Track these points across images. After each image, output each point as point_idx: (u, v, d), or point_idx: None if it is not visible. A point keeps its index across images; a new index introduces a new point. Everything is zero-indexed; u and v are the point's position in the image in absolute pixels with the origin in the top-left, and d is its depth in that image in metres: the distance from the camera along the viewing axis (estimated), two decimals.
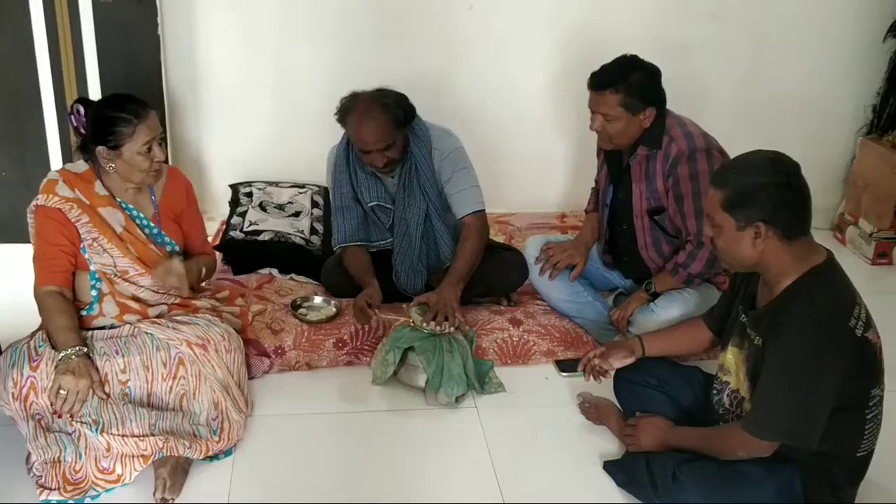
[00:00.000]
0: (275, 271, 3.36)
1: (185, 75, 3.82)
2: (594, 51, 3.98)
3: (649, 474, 2.28)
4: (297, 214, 3.62)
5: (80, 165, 2.63)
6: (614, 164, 3.01)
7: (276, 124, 3.97)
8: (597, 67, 4.11)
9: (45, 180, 2.59)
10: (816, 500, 2.19)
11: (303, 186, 3.85)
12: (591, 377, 2.58)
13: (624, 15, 3.98)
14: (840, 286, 2.12)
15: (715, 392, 2.39)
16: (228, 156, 3.98)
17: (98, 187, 2.59)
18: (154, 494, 2.31)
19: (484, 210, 3.10)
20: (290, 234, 3.47)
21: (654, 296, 2.88)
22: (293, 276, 3.35)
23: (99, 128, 2.50)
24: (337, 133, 3.90)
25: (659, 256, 2.98)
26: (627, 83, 2.75)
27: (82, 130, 2.54)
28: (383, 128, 2.90)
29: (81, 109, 2.53)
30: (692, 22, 4.03)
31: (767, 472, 2.16)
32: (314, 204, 3.74)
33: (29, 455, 2.42)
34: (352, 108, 2.93)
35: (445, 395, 2.76)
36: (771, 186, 2.05)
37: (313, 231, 3.57)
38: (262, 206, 3.63)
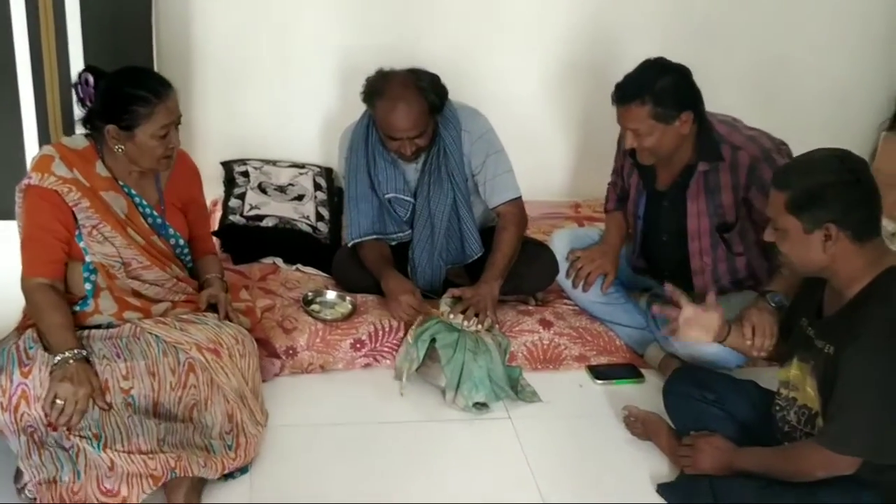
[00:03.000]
0: (279, 261, 3.07)
1: (177, 42, 3.50)
2: (605, 35, 3.83)
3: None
4: (300, 198, 3.34)
5: (79, 141, 2.34)
6: (648, 175, 2.77)
7: (275, 99, 3.68)
8: (607, 53, 3.98)
9: (37, 156, 2.31)
10: None
11: (303, 166, 3.57)
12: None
13: None
14: None
15: (777, 409, 2.23)
16: (219, 132, 3.67)
17: (99, 167, 2.31)
18: None
19: (520, 197, 2.88)
20: (295, 219, 3.20)
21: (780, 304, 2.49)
22: (299, 266, 3.08)
23: (112, 104, 2.22)
24: (343, 109, 3.64)
25: (714, 283, 2.73)
26: (654, 92, 2.48)
27: (88, 103, 2.26)
28: (418, 114, 2.65)
29: (90, 79, 2.24)
30: (713, 4, 3.83)
31: (850, 500, 2.00)
32: (317, 186, 3.46)
33: (18, 473, 2.14)
34: (383, 90, 2.66)
35: (463, 397, 2.55)
36: (839, 185, 1.93)
37: (319, 217, 3.29)
38: (262, 188, 3.34)
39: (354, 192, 2.86)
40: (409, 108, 2.64)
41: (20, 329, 2.33)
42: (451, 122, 2.79)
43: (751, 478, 2.12)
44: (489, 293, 2.69)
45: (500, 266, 2.75)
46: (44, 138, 3.34)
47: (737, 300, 2.67)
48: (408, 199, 2.86)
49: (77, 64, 3.23)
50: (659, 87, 2.48)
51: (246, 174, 3.42)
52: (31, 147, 3.35)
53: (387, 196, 2.86)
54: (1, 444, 2.19)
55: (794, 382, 2.17)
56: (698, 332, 2.35)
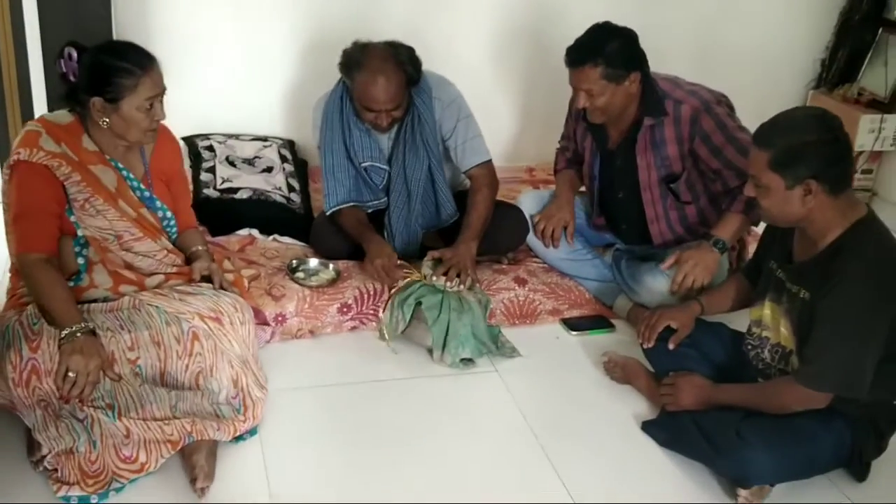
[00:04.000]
0: (255, 232, 3.12)
1: (136, 18, 3.47)
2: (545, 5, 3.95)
3: (702, 434, 2.26)
4: (269, 170, 3.37)
5: (63, 116, 2.34)
6: (600, 135, 2.93)
7: (233, 72, 3.68)
8: (550, 20, 4.10)
9: (23, 132, 2.30)
10: (862, 449, 2.26)
11: (265, 139, 3.60)
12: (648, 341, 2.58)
13: None
14: (886, 237, 2.17)
15: (750, 347, 2.41)
16: (179, 107, 3.62)
17: (86, 142, 2.32)
18: (194, 484, 2.11)
19: (491, 160, 3.00)
20: (268, 191, 3.24)
21: (723, 247, 2.80)
22: (276, 236, 3.13)
23: (96, 77, 2.23)
24: (302, 80, 3.68)
25: (668, 230, 2.94)
26: (605, 54, 2.65)
27: (71, 77, 2.26)
28: (396, 88, 2.73)
29: (74, 54, 2.24)
30: None
31: (823, 427, 2.20)
32: (283, 158, 3.50)
33: (31, 446, 2.18)
34: (363, 63, 2.72)
35: (450, 355, 2.68)
36: (819, 143, 2.07)
37: (291, 188, 3.34)
38: (231, 162, 3.36)
39: (331, 163, 2.92)
40: (389, 82, 2.71)
41: (14, 307, 2.33)
42: (423, 89, 2.87)
43: (730, 410, 2.29)
44: (467, 253, 2.80)
45: (476, 227, 2.87)
46: (0, 119, 3.30)
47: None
48: (383, 167, 2.94)
49: (34, 40, 3.19)
50: (609, 50, 2.65)
51: (211, 148, 3.43)
52: None
53: (363, 165, 2.93)
54: (8, 421, 2.23)
55: (767, 322, 2.34)
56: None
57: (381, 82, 2.71)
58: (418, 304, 2.73)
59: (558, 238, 3.04)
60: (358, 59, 2.74)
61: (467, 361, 2.70)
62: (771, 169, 2.11)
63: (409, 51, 2.79)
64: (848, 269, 2.09)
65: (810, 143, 2.07)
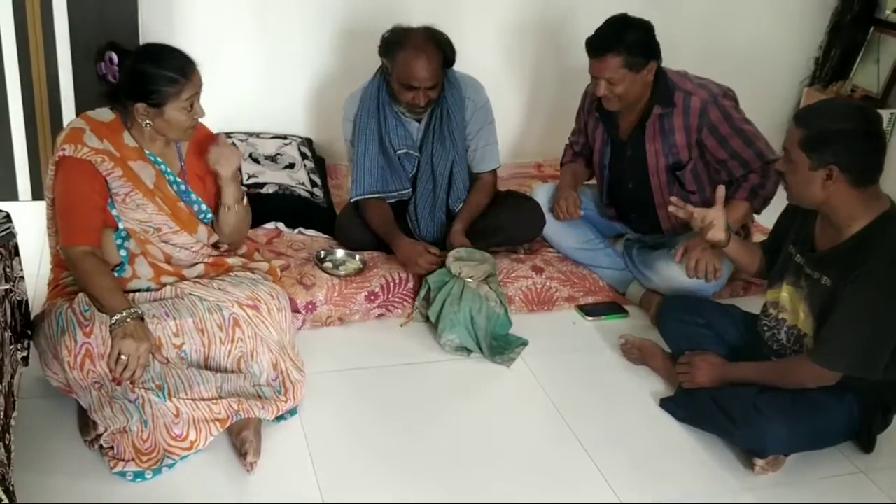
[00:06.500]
0: (281, 225, 3.24)
1: (160, 18, 3.57)
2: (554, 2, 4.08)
3: (720, 409, 2.39)
4: (291, 166, 3.49)
5: (105, 113, 2.43)
6: (611, 125, 3.07)
7: (255, 72, 3.80)
8: (556, 19, 4.23)
9: (67, 128, 2.39)
10: (870, 422, 2.40)
11: (285, 137, 3.72)
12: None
13: None
14: None
15: (766, 329, 2.52)
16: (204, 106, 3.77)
17: (127, 138, 2.41)
18: (245, 459, 2.23)
19: (497, 168, 3.21)
20: (293, 186, 3.36)
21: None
22: (301, 229, 3.25)
23: (140, 85, 2.30)
24: (321, 80, 3.79)
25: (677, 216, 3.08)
26: (626, 43, 2.79)
27: (111, 79, 2.34)
28: (436, 67, 2.89)
29: (115, 57, 2.31)
30: None
31: (836, 401, 2.33)
32: (303, 156, 3.62)
33: (85, 427, 2.29)
34: (405, 43, 2.88)
35: (441, 337, 2.80)
36: (851, 134, 2.15)
37: (313, 183, 3.46)
38: (255, 159, 3.48)
39: (363, 149, 3.04)
40: (430, 60, 2.87)
41: (61, 295, 2.43)
42: (455, 87, 3.03)
43: (745, 386, 2.42)
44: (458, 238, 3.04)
45: (468, 220, 3.10)
46: (29, 118, 3.39)
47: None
48: (415, 153, 3.08)
49: (63, 40, 3.29)
50: (630, 40, 2.80)
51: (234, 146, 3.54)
52: (18, 127, 3.40)
53: (398, 152, 3.06)
54: (60, 405, 2.35)
55: (784, 304, 2.44)
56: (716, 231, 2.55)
57: (423, 59, 2.86)
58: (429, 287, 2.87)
59: (575, 207, 3.12)
60: (399, 39, 2.90)
61: (463, 349, 2.80)
62: (800, 147, 2.19)
63: (446, 36, 2.96)
64: (873, 259, 2.18)
65: (842, 132, 2.15)
